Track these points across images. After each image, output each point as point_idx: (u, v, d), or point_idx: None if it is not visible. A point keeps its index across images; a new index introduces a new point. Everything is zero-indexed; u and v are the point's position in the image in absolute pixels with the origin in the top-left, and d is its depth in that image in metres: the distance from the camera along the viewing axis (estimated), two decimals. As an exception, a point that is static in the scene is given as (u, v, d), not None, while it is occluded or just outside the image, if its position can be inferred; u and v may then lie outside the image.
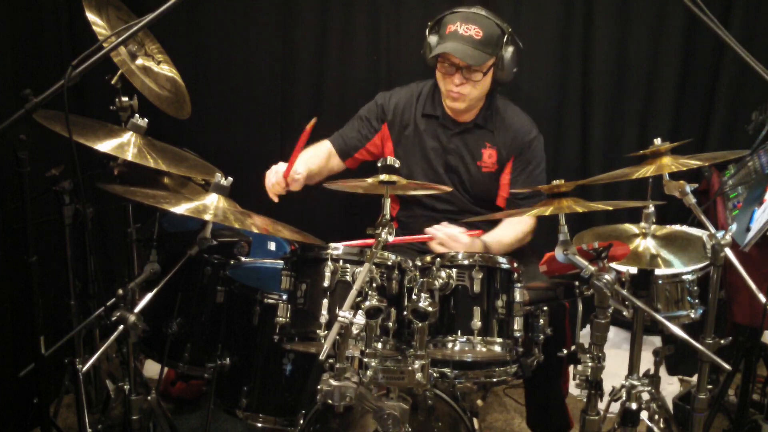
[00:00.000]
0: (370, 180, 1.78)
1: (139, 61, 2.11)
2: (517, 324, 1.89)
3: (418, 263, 1.92)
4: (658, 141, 1.89)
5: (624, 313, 1.91)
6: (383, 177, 1.71)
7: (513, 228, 2.44)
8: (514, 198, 2.52)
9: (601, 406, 1.86)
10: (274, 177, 2.32)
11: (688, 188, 1.86)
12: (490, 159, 2.51)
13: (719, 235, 1.80)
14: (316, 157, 2.53)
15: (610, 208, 1.79)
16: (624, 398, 1.96)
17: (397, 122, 2.57)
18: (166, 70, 2.25)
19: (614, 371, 2.07)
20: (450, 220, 2.43)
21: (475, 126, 2.52)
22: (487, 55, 2.35)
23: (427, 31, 2.45)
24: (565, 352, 2.04)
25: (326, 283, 1.83)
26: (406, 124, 2.57)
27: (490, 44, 2.35)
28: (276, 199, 2.34)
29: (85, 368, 2.08)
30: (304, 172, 2.36)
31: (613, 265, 1.92)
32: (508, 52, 2.39)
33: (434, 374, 1.98)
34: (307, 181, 2.40)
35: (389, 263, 1.86)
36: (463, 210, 2.55)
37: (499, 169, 2.53)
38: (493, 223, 2.46)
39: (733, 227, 2.02)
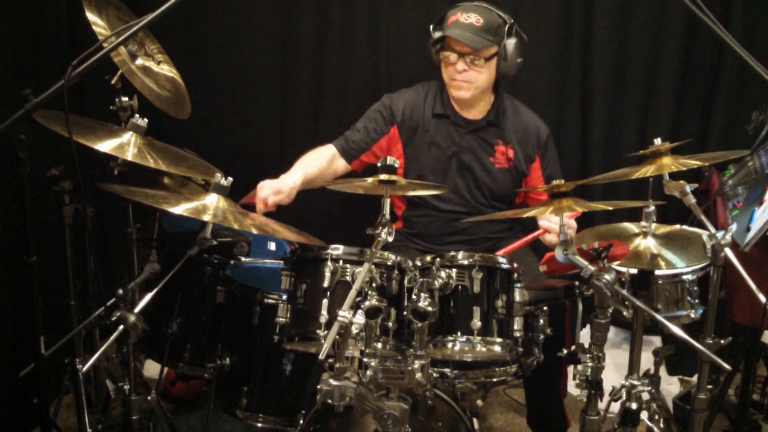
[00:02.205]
0: (370, 180, 1.78)
1: (139, 61, 2.11)
2: (517, 324, 1.89)
3: (418, 263, 1.91)
4: (658, 141, 1.90)
5: (624, 313, 1.91)
6: (383, 177, 1.71)
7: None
8: None
9: (601, 406, 1.86)
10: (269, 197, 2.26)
11: (688, 188, 1.86)
12: (503, 156, 2.54)
13: (719, 235, 1.80)
14: (316, 161, 2.52)
15: (610, 208, 1.79)
16: (624, 398, 1.96)
17: (407, 124, 2.57)
18: (166, 70, 2.24)
19: (614, 371, 2.08)
20: (457, 219, 2.42)
21: (488, 124, 2.54)
22: (488, 41, 2.37)
23: (432, 27, 2.47)
24: (565, 352, 2.04)
25: (326, 283, 1.82)
26: (416, 126, 2.56)
27: (491, 31, 2.38)
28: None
29: (85, 368, 2.08)
30: (285, 189, 2.31)
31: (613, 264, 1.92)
32: (511, 42, 2.41)
33: (434, 374, 1.98)
34: (307, 186, 2.41)
35: (389, 263, 1.86)
36: (472, 209, 2.55)
37: (516, 168, 2.55)
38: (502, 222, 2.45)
39: (733, 227, 2.02)
